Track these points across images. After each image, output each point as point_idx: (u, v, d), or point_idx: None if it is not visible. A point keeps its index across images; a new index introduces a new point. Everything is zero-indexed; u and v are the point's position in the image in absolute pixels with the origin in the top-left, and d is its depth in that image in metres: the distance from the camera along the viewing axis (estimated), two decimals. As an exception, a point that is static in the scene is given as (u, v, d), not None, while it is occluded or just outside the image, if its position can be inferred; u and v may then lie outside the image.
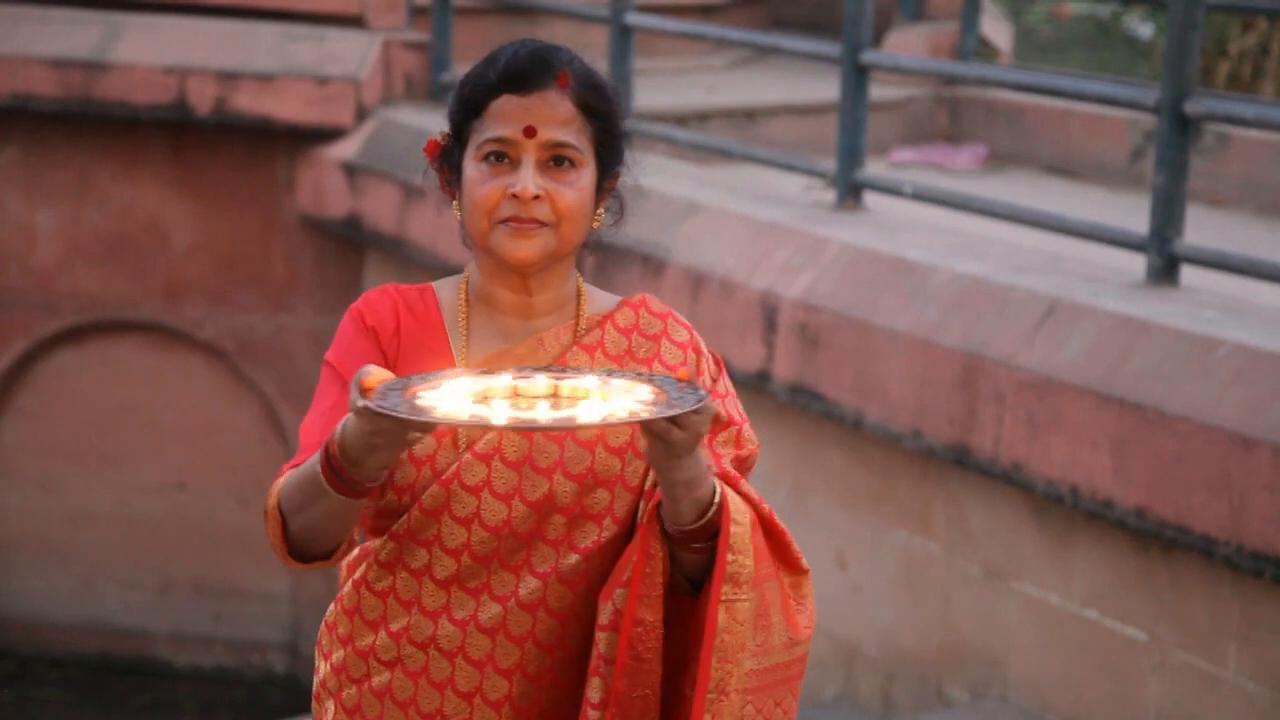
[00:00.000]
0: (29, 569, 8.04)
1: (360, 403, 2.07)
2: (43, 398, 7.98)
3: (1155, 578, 4.54)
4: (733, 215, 5.86)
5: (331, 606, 2.43)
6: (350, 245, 7.64)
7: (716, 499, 2.25)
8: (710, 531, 2.26)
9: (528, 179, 2.28)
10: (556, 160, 2.30)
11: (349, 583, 2.39)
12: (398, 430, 2.09)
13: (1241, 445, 4.16)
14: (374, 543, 2.37)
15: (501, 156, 2.30)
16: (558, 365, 2.31)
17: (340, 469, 2.16)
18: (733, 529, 2.25)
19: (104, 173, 7.76)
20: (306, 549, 2.30)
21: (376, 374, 2.10)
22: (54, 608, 8.05)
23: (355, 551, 2.42)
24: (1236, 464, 4.17)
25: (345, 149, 7.41)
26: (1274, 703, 4.29)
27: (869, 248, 5.38)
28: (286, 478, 2.28)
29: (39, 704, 7.83)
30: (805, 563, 2.38)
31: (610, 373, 2.22)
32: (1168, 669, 4.52)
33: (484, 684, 2.34)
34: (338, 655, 2.40)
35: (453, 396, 2.12)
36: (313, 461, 2.21)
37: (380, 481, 2.20)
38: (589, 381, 2.17)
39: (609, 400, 2.13)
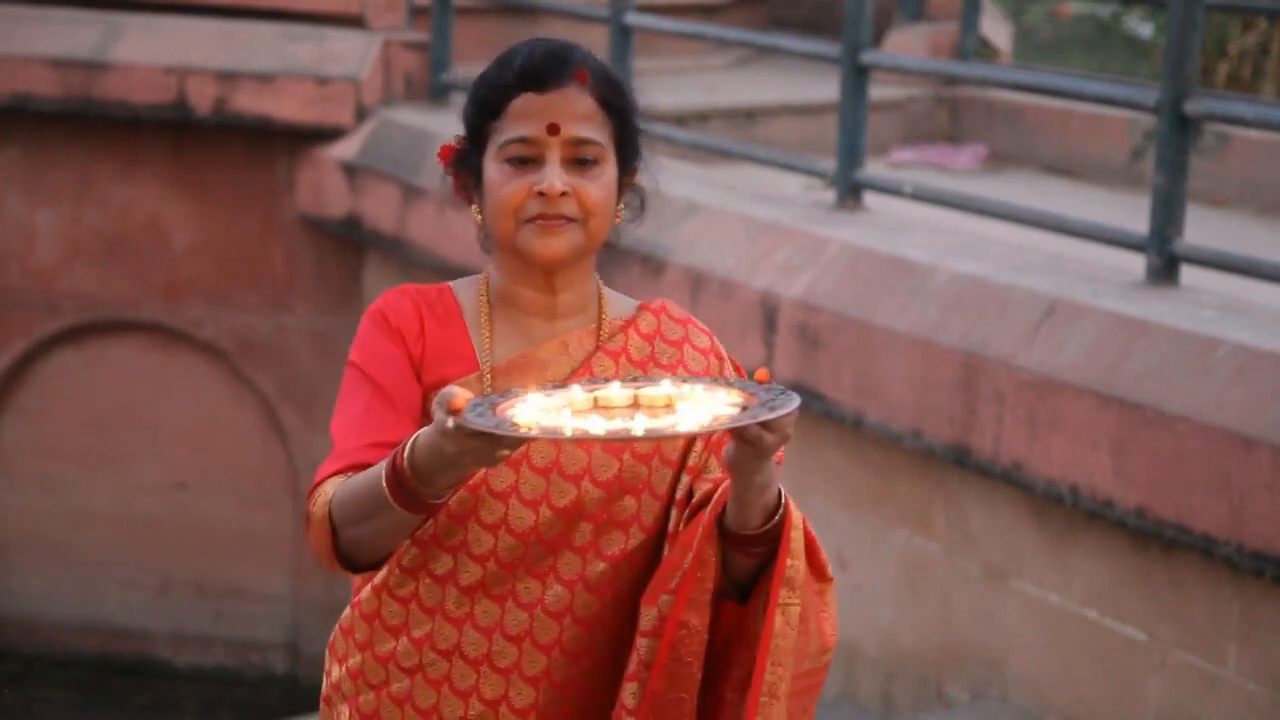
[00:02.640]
0: (29, 569, 8.04)
1: (452, 422, 2.03)
2: (43, 398, 7.98)
3: (1155, 578, 4.54)
4: (733, 215, 5.86)
5: (347, 611, 2.40)
6: (350, 245, 7.63)
7: (782, 503, 2.24)
8: (769, 538, 2.24)
9: (554, 176, 2.26)
10: (580, 157, 2.28)
11: (368, 588, 2.35)
12: (489, 448, 2.05)
13: (1241, 445, 4.16)
14: None
15: (525, 156, 2.28)
16: (617, 375, 2.28)
17: (409, 486, 2.12)
18: (793, 534, 2.24)
19: (104, 173, 7.76)
20: (356, 558, 2.26)
21: (462, 393, 2.06)
22: (54, 608, 8.05)
23: None
24: (1236, 464, 4.17)
25: (345, 149, 7.41)
26: (1274, 703, 4.29)
27: (869, 248, 5.38)
28: (339, 488, 2.24)
29: (43, 704, 7.83)
30: (830, 570, 2.36)
31: (683, 379, 2.19)
32: (1168, 669, 4.52)
33: (510, 691, 2.32)
34: (354, 660, 2.38)
35: (537, 411, 2.08)
36: (373, 475, 2.16)
37: (448, 498, 2.18)
38: (666, 389, 2.13)
39: (699, 406, 2.10)
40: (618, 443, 2.23)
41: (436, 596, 2.32)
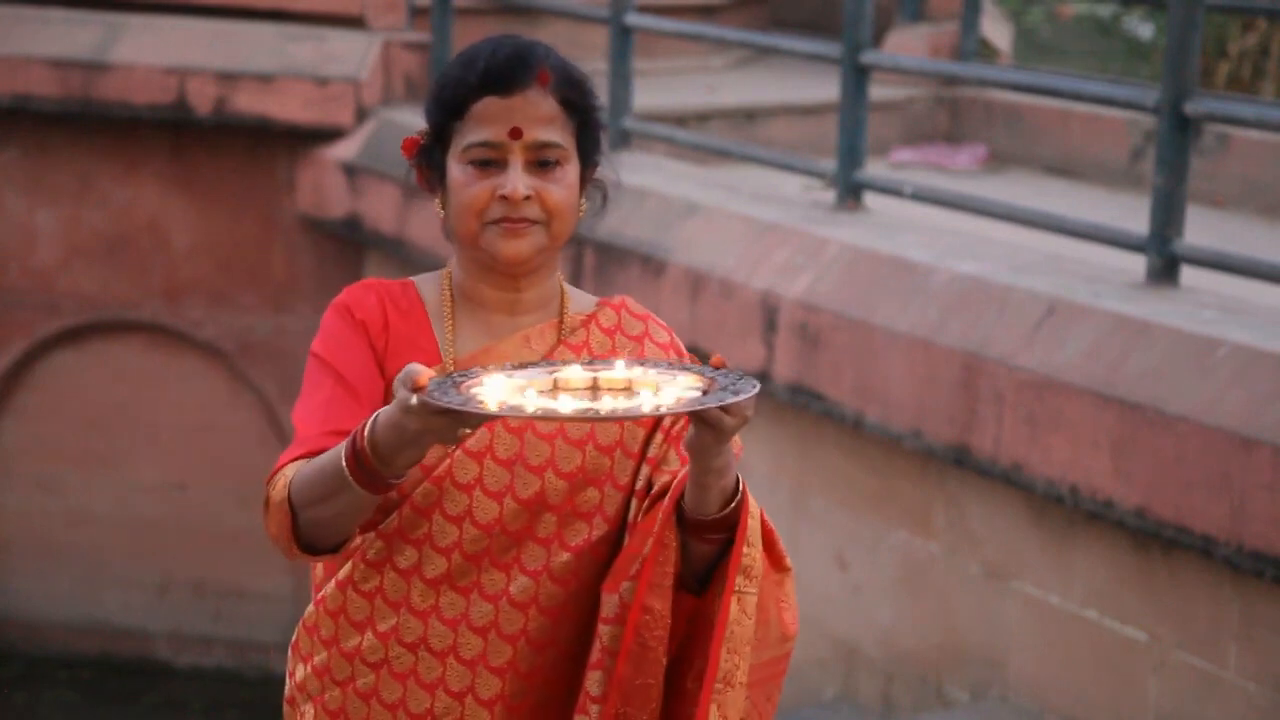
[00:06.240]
0: (29, 569, 8.04)
1: (415, 399, 2.05)
2: (43, 398, 7.98)
3: (1155, 578, 4.54)
4: (733, 215, 5.86)
5: (310, 608, 2.42)
6: (350, 245, 7.64)
7: (739, 490, 2.27)
8: (726, 524, 2.27)
9: (517, 181, 2.29)
10: (542, 159, 2.31)
11: (331, 583, 2.38)
12: (450, 426, 2.07)
13: (1241, 445, 4.16)
14: (357, 541, 2.35)
15: (488, 159, 2.31)
16: (562, 358, 2.30)
17: (369, 465, 2.14)
18: (750, 522, 2.27)
19: (104, 173, 7.77)
20: (315, 541, 2.28)
21: (426, 371, 2.08)
22: (54, 608, 8.05)
23: None
24: (1236, 464, 4.17)
25: (345, 149, 7.41)
26: (1274, 703, 4.29)
27: (869, 248, 5.38)
28: (297, 470, 2.25)
29: (51, 705, 7.82)
30: (788, 561, 2.39)
31: (640, 362, 2.21)
32: (1168, 669, 4.52)
33: (476, 683, 2.34)
34: (320, 657, 2.40)
35: (500, 391, 2.10)
36: (334, 455, 2.18)
37: (406, 477, 2.19)
38: (622, 371, 2.17)
39: (661, 390, 2.13)
40: (584, 422, 2.23)
41: (401, 590, 2.33)
